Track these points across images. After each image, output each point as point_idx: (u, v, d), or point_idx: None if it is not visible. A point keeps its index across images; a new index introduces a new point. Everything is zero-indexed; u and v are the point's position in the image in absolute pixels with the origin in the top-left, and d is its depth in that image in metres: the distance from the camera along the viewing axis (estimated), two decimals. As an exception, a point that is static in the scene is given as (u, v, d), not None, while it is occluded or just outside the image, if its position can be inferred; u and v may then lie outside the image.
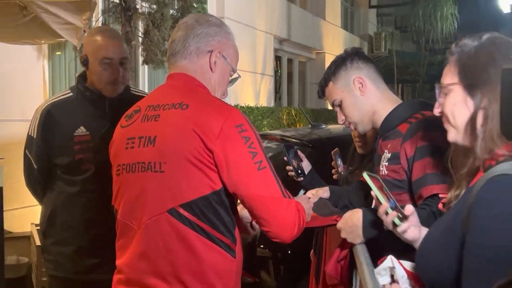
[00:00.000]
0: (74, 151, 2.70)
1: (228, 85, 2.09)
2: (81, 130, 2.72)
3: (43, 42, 5.38)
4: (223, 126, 1.78)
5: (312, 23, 16.97)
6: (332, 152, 2.82)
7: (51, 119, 2.74)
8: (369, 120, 2.34)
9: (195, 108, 1.83)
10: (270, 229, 1.83)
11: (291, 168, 2.67)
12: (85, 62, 2.74)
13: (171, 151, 1.81)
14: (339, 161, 2.77)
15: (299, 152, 2.72)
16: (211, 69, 1.98)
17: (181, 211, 1.80)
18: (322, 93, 2.44)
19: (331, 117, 14.78)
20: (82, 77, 2.82)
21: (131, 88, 2.95)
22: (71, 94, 2.82)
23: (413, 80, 23.20)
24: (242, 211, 1.98)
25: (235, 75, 2.09)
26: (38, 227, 5.25)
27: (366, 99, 2.31)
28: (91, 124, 2.73)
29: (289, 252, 4.29)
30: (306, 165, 2.73)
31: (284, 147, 2.69)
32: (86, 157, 2.71)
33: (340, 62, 2.36)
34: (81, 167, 2.72)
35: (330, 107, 16.77)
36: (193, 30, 1.98)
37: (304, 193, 2.39)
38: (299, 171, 2.65)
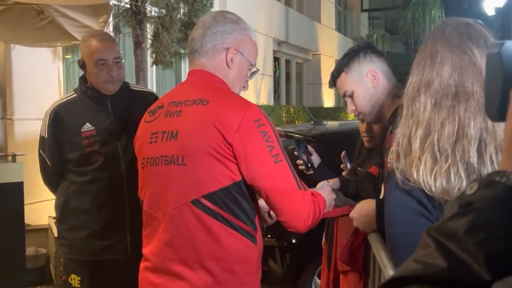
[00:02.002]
0: (83, 146, 2.78)
1: (248, 79, 2.07)
2: (87, 126, 2.80)
3: (59, 44, 5.37)
4: (242, 121, 1.77)
5: (308, 26, 16.96)
6: (341, 156, 2.79)
7: (59, 120, 2.82)
8: (378, 112, 2.31)
9: (215, 103, 1.82)
10: (285, 219, 1.83)
11: (301, 162, 2.64)
12: (82, 65, 2.84)
13: (193, 145, 1.81)
14: (348, 164, 2.74)
15: (309, 147, 2.69)
16: (228, 65, 1.96)
17: (204, 201, 1.80)
18: (333, 83, 2.40)
19: (327, 114, 14.77)
20: (83, 79, 2.90)
21: (130, 85, 3.02)
22: (75, 95, 2.90)
23: (403, 79, 23.08)
24: (260, 200, 1.96)
25: (253, 69, 2.07)
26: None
27: (377, 92, 2.27)
28: (95, 120, 2.81)
29: (294, 242, 4.28)
30: (316, 159, 2.71)
31: (295, 141, 2.67)
32: (94, 149, 2.79)
33: (353, 54, 2.32)
34: (90, 159, 2.80)
35: (326, 106, 16.83)
36: (210, 29, 1.96)
37: (327, 184, 2.36)
38: (309, 165, 2.62)
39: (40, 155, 2.92)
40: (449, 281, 0.65)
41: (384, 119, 2.31)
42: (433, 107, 1.41)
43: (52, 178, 2.93)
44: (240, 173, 1.79)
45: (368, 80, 2.27)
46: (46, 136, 2.85)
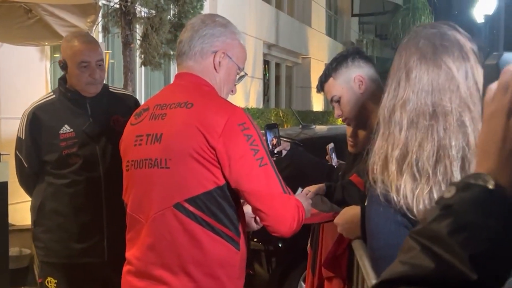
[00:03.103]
0: (61, 148, 2.74)
1: (236, 83, 2.06)
2: (66, 128, 2.76)
3: (46, 43, 5.33)
4: (226, 124, 1.76)
5: (299, 29, 17.00)
6: (327, 146, 2.76)
7: (37, 121, 2.77)
8: (365, 118, 2.30)
9: (200, 107, 1.81)
10: (269, 223, 1.82)
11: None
12: (63, 66, 2.78)
13: (176, 148, 1.80)
14: (334, 156, 2.70)
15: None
16: (216, 69, 1.95)
17: (186, 205, 1.78)
18: (321, 88, 2.39)
19: (316, 118, 14.80)
20: (63, 80, 2.85)
21: (109, 87, 2.99)
22: (53, 96, 2.86)
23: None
24: (246, 206, 1.95)
25: (242, 73, 2.05)
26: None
27: (364, 97, 2.27)
28: (74, 122, 2.77)
29: (280, 245, 4.28)
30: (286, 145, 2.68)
31: (266, 126, 2.63)
32: (72, 152, 2.75)
33: (342, 59, 2.31)
34: (68, 162, 2.75)
35: (315, 109, 16.87)
36: (198, 31, 1.95)
37: (302, 191, 2.34)
38: (275, 152, 2.59)
39: (16, 156, 2.87)
40: (437, 281, 0.66)
41: (371, 125, 2.31)
42: (409, 127, 1.36)
43: (29, 179, 2.89)
44: (224, 177, 1.78)
45: (356, 86, 2.27)
46: (23, 137, 2.80)
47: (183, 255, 1.80)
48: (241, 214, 1.90)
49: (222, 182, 1.78)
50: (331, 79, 2.32)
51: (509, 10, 15.33)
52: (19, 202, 5.66)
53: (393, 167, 1.35)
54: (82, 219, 2.77)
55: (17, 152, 2.87)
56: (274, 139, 2.59)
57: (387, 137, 1.39)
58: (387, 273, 0.70)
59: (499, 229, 0.67)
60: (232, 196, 1.83)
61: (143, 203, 1.88)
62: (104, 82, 2.89)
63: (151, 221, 1.84)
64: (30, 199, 2.92)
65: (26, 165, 2.83)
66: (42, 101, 2.86)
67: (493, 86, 0.74)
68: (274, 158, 2.59)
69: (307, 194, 2.27)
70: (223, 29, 1.97)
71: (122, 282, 1.98)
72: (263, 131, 2.59)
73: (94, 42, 2.88)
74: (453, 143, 1.33)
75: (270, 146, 2.56)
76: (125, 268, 1.97)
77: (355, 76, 2.27)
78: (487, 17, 16.66)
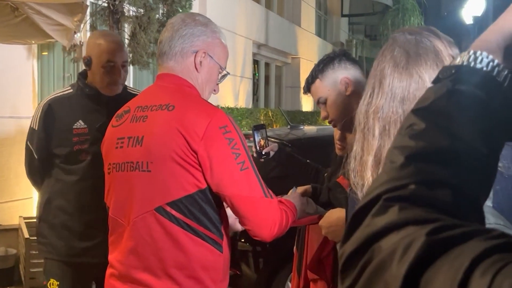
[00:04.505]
0: (73, 143, 2.76)
1: (218, 82, 2.04)
2: (80, 124, 2.78)
3: (33, 42, 5.29)
4: (208, 127, 1.74)
5: (288, 29, 17.01)
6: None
7: (51, 113, 2.80)
8: (351, 120, 2.30)
9: (181, 109, 1.79)
10: (249, 227, 1.82)
11: (254, 150, 2.58)
12: (88, 62, 2.79)
13: (157, 151, 1.78)
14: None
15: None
16: (197, 69, 1.93)
17: (168, 209, 1.77)
18: (307, 89, 2.39)
19: (306, 118, 14.83)
20: (83, 75, 2.87)
21: (127, 87, 3.00)
22: (71, 90, 2.88)
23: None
24: (227, 209, 1.95)
25: (224, 73, 2.03)
26: (27, 220, 5.22)
27: (350, 99, 2.26)
28: (89, 118, 2.79)
29: (267, 246, 4.27)
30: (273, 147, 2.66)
31: (253, 127, 2.60)
32: (83, 148, 2.77)
33: (328, 61, 2.30)
34: (78, 157, 2.77)
35: (304, 109, 16.89)
36: (178, 31, 1.92)
37: (296, 190, 2.33)
38: (262, 153, 2.57)
39: (27, 147, 2.89)
40: (452, 157, 0.66)
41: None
42: (381, 135, 1.35)
43: (37, 172, 2.90)
44: (206, 180, 1.77)
45: (342, 87, 2.26)
46: (36, 128, 2.82)
47: (166, 258, 1.79)
48: (224, 216, 1.89)
49: (204, 185, 1.77)
50: (317, 81, 2.31)
51: (497, 12, 15.42)
52: (6, 202, 5.63)
53: (368, 173, 1.35)
54: (86, 218, 2.78)
55: (28, 143, 2.89)
56: (261, 140, 2.57)
57: (362, 143, 1.39)
58: (406, 151, 0.68)
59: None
60: (215, 199, 1.82)
61: (125, 206, 1.87)
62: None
63: (132, 225, 1.83)
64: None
65: (36, 157, 2.84)
66: (59, 94, 2.88)
67: None
68: (262, 160, 2.58)
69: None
70: (204, 28, 1.95)
71: (105, 285, 1.97)
72: (251, 132, 2.58)
73: (122, 43, 2.90)
74: None
75: (258, 147, 2.54)
76: (108, 271, 1.96)
77: (341, 78, 2.26)
78: (476, 19, 16.74)
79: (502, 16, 0.75)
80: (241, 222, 1.85)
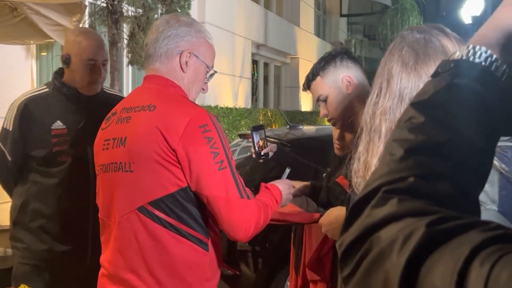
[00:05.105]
0: (52, 144, 2.65)
1: (206, 81, 2.03)
2: (58, 124, 2.67)
3: (32, 42, 5.30)
4: (187, 126, 1.74)
5: (287, 29, 17.01)
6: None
7: (28, 113, 2.66)
8: (351, 119, 2.29)
9: (162, 109, 1.80)
10: (223, 227, 1.82)
11: (253, 150, 2.57)
12: (66, 61, 2.69)
13: (139, 151, 1.79)
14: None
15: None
16: (182, 69, 1.93)
17: (150, 208, 1.77)
18: (307, 87, 2.37)
19: (305, 118, 14.83)
20: (59, 73, 2.76)
21: (104, 88, 2.91)
22: (47, 89, 2.76)
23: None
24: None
25: (211, 71, 2.03)
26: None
27: (351, 98, 2.25)
28: (67, 118, 2.69)
29: (267, 245, 4.27)
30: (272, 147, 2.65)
31: (252, 128, 2.58)
32: (62, 149, 2.67)
33: (330, 59, 2.28)
34: (58, 159, 2.67)
35: (303, 109, 16.90)
36: (163, 33, 1.93)
37: (290, 171, 2.31)
38: (261, 154, 2.56)
39: None
40: (449, 151, 0.67)
41: (356, 127, 2.29)
42: (388, 136, 1.33)
43: (9, 175, 2.76)
44: (186, 179, 1.77)
45: (343, 86, 2.25)
46: (10, 129, 2.68)
47: (149, 258, 1.79)
48: (208, 215, 1.87)
49: (184, 184, 1.77)
50: (318, 78, 2.29)
51: (496, 12, 15.40)
52: (4, 202, 5.62)
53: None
54: (66, 221, 2.68)
55: (0, 144, 2.74)
56: (260, 141, 2.56)
57: (368, 144, 1.38)
58: (405, 144, 0.69)
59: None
60: (197, 198, 1.81)
61: (111, 207, 1.88)
62: None
63: (117, 225, 1.84)
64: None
65: (9, 159, 2.70)
66: (34, 93, 2.74)
67: None
68: (261, 160, 2.58)
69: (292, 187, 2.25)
70: (188, 28, 1.95)
71: (97, 285, 1.97)
72: (249, 132, 2.57)
73: (102, 40, 2.80)
74: None
75: (257, 148, 2.53)
76: (100, 271, 1.97)
77: (343, 77, 2.25)
78: (475, 18, 16.74)
79: (499, 10, 0.75)
80: (217, 222, 1.85)
